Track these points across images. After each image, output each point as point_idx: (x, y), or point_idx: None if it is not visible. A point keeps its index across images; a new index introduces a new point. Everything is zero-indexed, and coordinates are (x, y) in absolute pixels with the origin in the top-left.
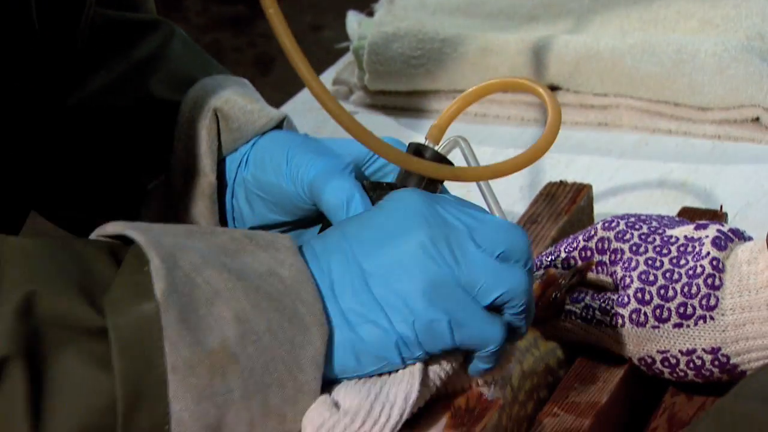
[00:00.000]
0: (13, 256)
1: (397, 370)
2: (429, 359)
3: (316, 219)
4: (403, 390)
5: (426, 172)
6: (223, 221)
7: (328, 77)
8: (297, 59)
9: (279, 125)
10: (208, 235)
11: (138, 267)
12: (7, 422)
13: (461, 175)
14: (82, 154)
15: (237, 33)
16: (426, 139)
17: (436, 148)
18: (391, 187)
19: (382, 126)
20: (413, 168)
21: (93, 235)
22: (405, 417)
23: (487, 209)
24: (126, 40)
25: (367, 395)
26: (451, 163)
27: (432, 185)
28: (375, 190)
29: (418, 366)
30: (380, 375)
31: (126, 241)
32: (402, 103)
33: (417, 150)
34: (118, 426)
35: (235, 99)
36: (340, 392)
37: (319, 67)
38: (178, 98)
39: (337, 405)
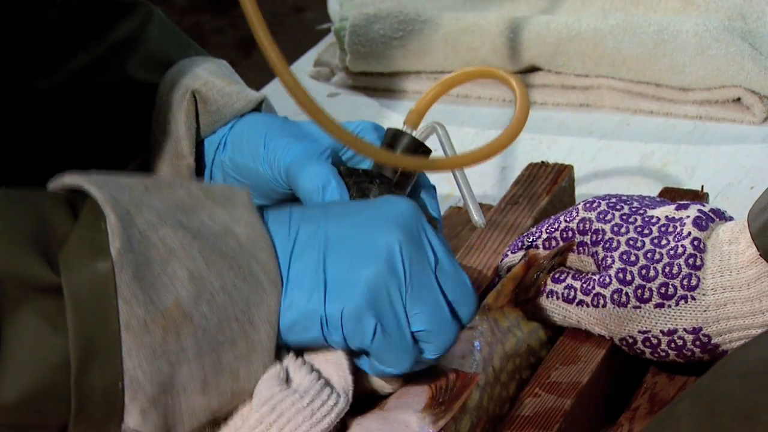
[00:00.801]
0: None
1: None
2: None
3: (293, 203)
4: (342, 378)
5: (397, 164)
6: None
7: (309, 59)
8: (270, 50)
9: (258, 107)
10: (166, 189)
11: (94, 223)
12: None
13: (431, 166)
14: (60, 136)
15: (218, 15)
16: (404, 124)
17: (413, 133)
18: (367, 173)
19: (364, 107)
20: (385, 161)
21: (50, 186)
22: (348, 406)
23: (460, 195)
24: (104, 22)
25: (317, 377)
26: (428, 149)
27: (407, 173)
28: (351, 176)
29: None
30: (319, 355)
31: (83, 193)
32: (383, 84)
33: (395, 135)
34: (72, 383)
35: (213, 81)
36: (290, 368)
37: (301, 49)
38: (157, 80)
39: (288, 381)
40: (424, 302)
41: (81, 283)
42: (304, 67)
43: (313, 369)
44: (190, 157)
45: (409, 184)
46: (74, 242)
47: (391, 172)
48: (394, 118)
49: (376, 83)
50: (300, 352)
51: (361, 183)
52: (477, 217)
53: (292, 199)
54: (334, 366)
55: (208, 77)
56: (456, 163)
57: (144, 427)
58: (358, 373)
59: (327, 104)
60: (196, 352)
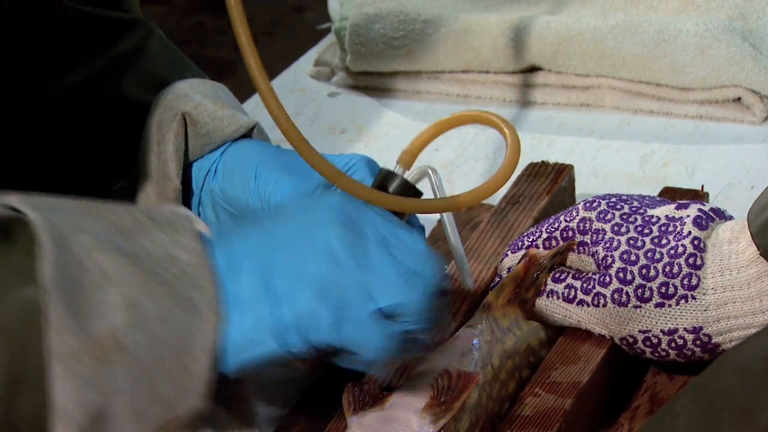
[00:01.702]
0: None
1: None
2: None
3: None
4: None
5: (379, 204)
6: None
7: (309, 58)
8: (267, 95)
9: (249, 132)
10: (108, 213)
11: (27, 247)
12: None
13: (420, 208)
14: (50, 150)
15: (219, 15)
16: (397, 164)
17: (405, 175)
18: None
19: (364, 107)
20: (373, 202)
21: None
22: None
23: (445, 230)
24: (102, 38)
25: None
26: (419, 192)
27: (397, 214)
28: None
29: None
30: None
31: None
32: (384, 84)
33: (387, 176)
34: (0, 412)
35: (205, 104)
36: None
37: (301, 49)
38: (150, 99)
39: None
40: (378, 277)
41: (9, 310)
42: (304, 66)
43: None
44: (177, 180)
45: None
46: (3, 267)
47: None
48: (394, 117)
49: (377, 83)
50: None
51: None
52: (467, 278)
53: None
54: None
55: (201, 100)
56: (443, 206)
57: None
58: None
59: (327, 104)
60: (129, 381)
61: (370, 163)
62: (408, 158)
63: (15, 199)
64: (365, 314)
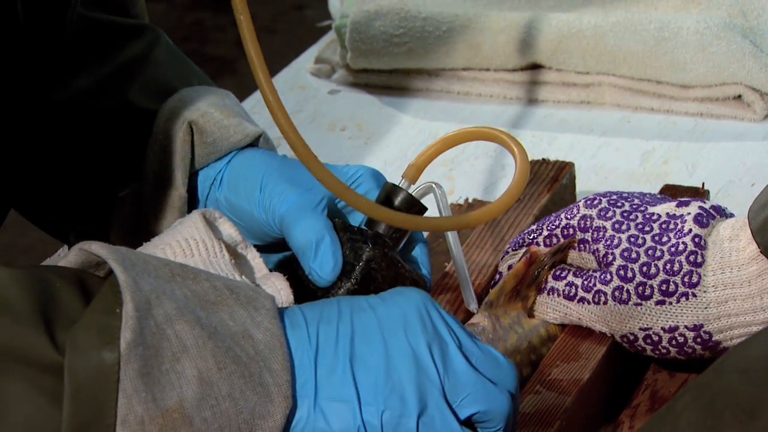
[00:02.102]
0: None
1: None
2: None
3: (285, 245)
4: None
5: (384, 220)
6: None
7: (310, 56)
8: (273, 103)
9: (256, 141)
10: (190, 280)
11: (109, 308)
12: None
13: (426, 226)
14: (56, 156)
15: (219, 12)
16: (402, 178)
17: (410, 190)
18: (362, 232)
19: (365, 104)
20: (378, 218)
21: (75, 249)
22: None
23: (451, 256)
24: (109, 45)
25: None
26: (423, 208)
27: (401, 230)
28: (346, 232)
29: None
30: None
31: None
32: (384, 82)
33: (391, 190)
34: None
35: (211, 112)
36: None
37: (302, 46)
38: (156, 107)
39: None
40: (464, 387)
41: (84, 370)
42: (304, 64)
43: None
44: (183, 188)
45: (402, 240)
46: (84, 325)
47: (385, 227)
48: (394, 115)
49: (377, 80)
50: None
51: (355, 242)
52: (470, 300)
53: (285, 242)
54: None
55: (207, 108)
56: (450, 225)
57: None
58: None
59: (328, 101)
60: None
61: (376, 176)
62: (413, 173)
63: (101, 250)
64: (452, 422)
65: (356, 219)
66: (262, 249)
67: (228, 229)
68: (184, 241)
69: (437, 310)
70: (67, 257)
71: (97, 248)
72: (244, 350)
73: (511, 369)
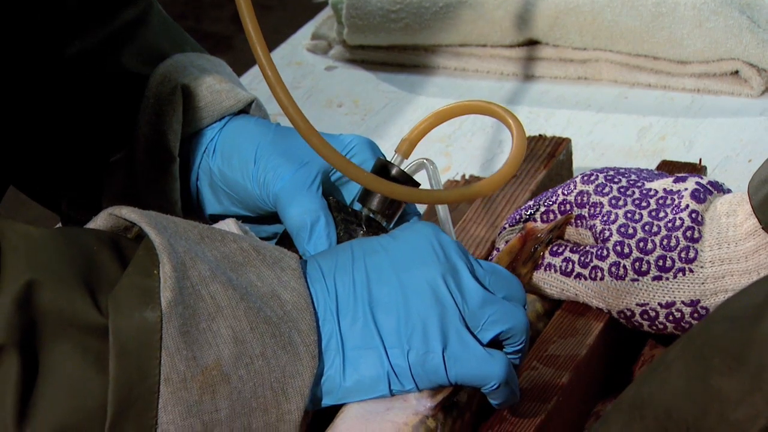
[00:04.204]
0: (17, 244)
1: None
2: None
3: (277, 218)
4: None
5: (387, 193)
6: (185, 199)
7: (307, 32)
8: (269, 72)
9: (247, 108)
10: (218, 242)
11: (148, 269)
12: None
13: (417, 198)
14: (48, 120)
15: None
16: (395, 152)
17: (402, 166)
18: (356, 214)
19: (362, 80)
20: (374, 188)
21: (104, 213)
22: None
23: (442, 229)
24: (103, 10)
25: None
26: (416, 183)
27: (395, 203)
28: (340, 212)
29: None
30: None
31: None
32: (381, 58)
33: (384, 166)
34: (106, 429)
35: (203, 77)
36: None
37: (298, 22)
38: (148, 72)
39: None
40: (483, 310)
41: (128, 330)
42: (301, 40)
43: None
44: (175, 153)
45: (397, 214)
46: (125, 287)
47: (379, 202)
48: (391, 91)
49: (374, 56)
50: None
51: (349, 223)
52: None
53: (278, 215)
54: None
55: (199, 73)
56: (446, 197)
57: None
58: None
59: (324, 78)
60: (229, 414)
61: (371, 146)
62: (406, 148)
63: (132, 214)
64: (477, 346)
65: (350, 191)
66: (255, 221)
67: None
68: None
69: (447, 238)
70: (95, 222)
71: (128, 212)
72: (273, 311)
73: (517, 281)
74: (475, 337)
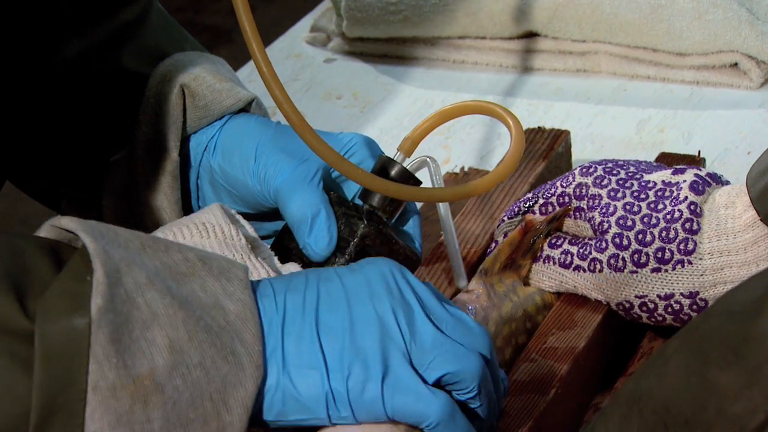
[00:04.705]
0: None
1: None
2: None
3: (277, 215)
4: None
5: (378, 190)
6: (185, 199)
7: (306, 24)
8: (267, 73)
9: (248, 107)
10: (162, 252)
11: (80, 275)
12: None
13: (415, 196)
14: (48, 120)
15: None
16: (397, 150)
17: (405, 164)
18: (357, 208)
19: (361, 72)
20: (376, 189)
21: (46, 225)
22: None
23: (442, 228)
24: (103, 9)
25: None
26: (418, 180)
27: (396, 200)
28: (341, 206)
29: None
30: None
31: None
32: (380, 50)
33: (386, 163)
34: None
35: (204, 76)
36: None
37: (297, 15)
38: (148, 71)
39: None
40: (430, 349)
41: (54, 336)
42: (300, 32)
43: None
44: (175, 152)
45: (397, 212)
46: (55, 292)
47: (379, 198)
48: (390, 83)
49: (373, 49)
50: None
51: (350, 217)
52: (459, 277)
53: (278, 212)
54: None
55: (199, 72)
56: (446, 195)
57: None
58: None
59: (323, 70)
60: (163, 425)
61: (370, 144)
62: (408, 146)
63: (70, 224)
64: (418, 383)
65: (351, 188)
66: (255, 218)
67: (244, 226)
68: (201, 225)
69: (404, 277)
70: (39, 233)
71: (67, 222)
72: (215, 320)
73: (483, 333)
74: (419, 375)
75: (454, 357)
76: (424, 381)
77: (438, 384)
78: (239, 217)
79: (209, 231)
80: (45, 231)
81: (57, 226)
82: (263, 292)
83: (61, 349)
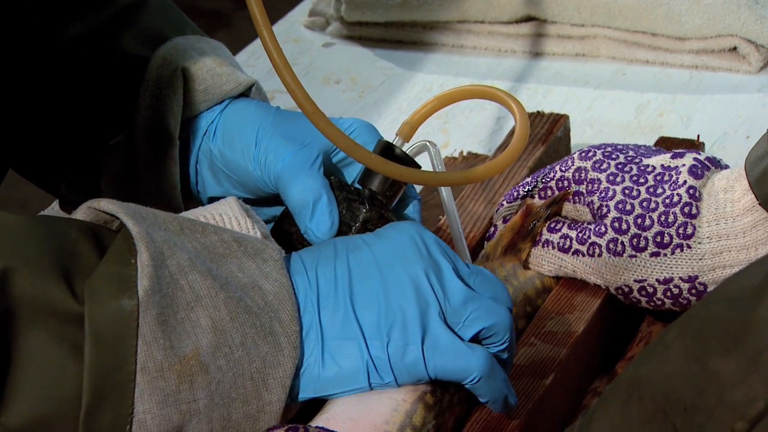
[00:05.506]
0: None
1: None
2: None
3: (277, 200)
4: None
5: (390, 174)
6: (185, 182)
7: (304, 9)
8: (276, 56)
9: (248, 91)
10: (199, 233)
11: (125, 258)
12: None
13: (423, 180)
14: (48, 102)
15: None
16: (396, 135)
17: (404, 148)
18: (359, 193)
19: (359, 57)
20: (377, 169)
21: (83, 207)
22: None
23: (445, 211)
24: None
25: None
26: (417, 165)
27: (396, 185)
28: (342, 191)
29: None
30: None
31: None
32: (379, 34)
33: (385, 148)
34: (81, 418)
35: (204, 60)
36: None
37: None
38: (148, 55)
39: None
40: (465, 306)
41: (104, 318)
42: (298, 17)
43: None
44: (175, 135)
45: (397, 196)
46: (101, 275)
47: (379, 183)
48: (388, 68)
49: (372, 33)
50: None
51: (351, 201)
52: (463, 258)
53: (278, 196)
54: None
55: (200, 56)
56: (448, 180)
57: None
58: None
59: (322, 54)
60: (207, 404)
61: (370, 129)
62: (407, 131)
63: (110, 206)
64: (456, 341)
65: (351, 173)
66: (255, 203)
67: (259, 221)
68: (218, 215)
69: (430, 238)
70: (75, 215)
71: (106, 204)
72: (253, 301)
73: (504, 287)
74: (455, 333)
75: (487, 312)
76: (460, 338)
77: (475, 339)
78: (253, 213)
79: (225, 222)
80: (82, 213)
81: (96, 208)
82: (295, 268)
83: (111, 331)
